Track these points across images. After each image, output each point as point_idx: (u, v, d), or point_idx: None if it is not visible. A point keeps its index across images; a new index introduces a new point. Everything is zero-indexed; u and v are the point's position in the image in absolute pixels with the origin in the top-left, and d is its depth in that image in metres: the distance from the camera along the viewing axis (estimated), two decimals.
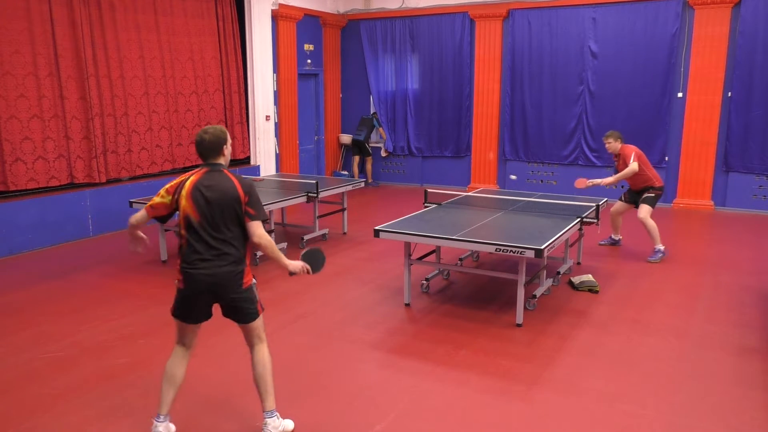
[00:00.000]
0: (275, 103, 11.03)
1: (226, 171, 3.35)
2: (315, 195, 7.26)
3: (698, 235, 8.60)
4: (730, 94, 9.54)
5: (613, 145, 7.04)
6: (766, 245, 7.65)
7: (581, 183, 7.02)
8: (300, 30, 11.39)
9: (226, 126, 10.27)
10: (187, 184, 3.30)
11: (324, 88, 12.38)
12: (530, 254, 4.69)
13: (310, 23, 11.73)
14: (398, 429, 3.57)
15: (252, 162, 10.76)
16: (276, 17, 10.75)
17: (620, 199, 7.38)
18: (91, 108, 8.08)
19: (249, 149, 10.74)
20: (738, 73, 9.39)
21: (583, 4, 10.28)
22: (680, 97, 9.90)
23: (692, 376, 4.22)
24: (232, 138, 10.35)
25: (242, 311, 3.36)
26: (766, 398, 3.90)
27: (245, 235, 3.33)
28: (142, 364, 4.39)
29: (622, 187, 7.74)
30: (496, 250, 4.84)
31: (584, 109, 10.53)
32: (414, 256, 5.60)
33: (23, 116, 7.40)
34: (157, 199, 3.40)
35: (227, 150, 3.38)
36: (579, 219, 5.78)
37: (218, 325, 5.15)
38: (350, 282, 6.26)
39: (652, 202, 6.97)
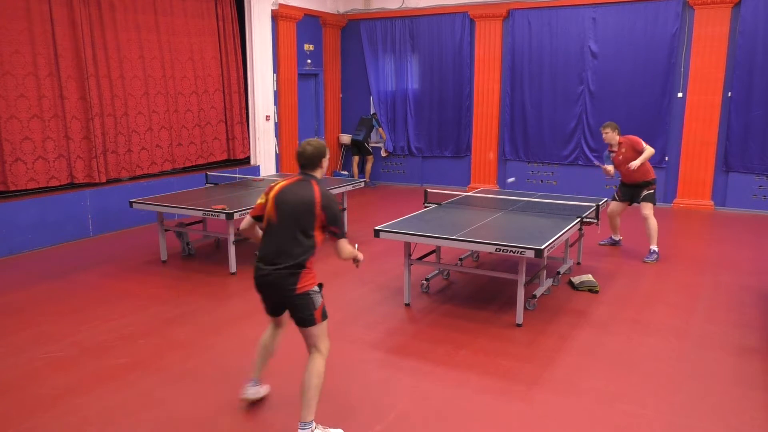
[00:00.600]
0: (275, 103, 11.03)
1: (315, 183, 3.48)
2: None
3: (698, 235, 8.60)
4: (730, 94, 9.54)
5: (610, 135, 7.01)
6: (766, 245, 7.65)
7: (607, 171, 7.04)
8: (300, 30, 11.39)
9: (226, 126, 10.28)
10: (277, 187, 3.52)
11: (324, 88, 12.38)
12: (530, 254, 4.69)
13: (310, 23, 11.73)
14: (398, 429, 3.57)
15: (252, 162, 10.76)
16: (276, 17, 10.75)
17: (614, 198, 7.31)
18: (91, 108, 8.08)
19: (249, 149, 10.73)
20: (738, 73, 9.39)
21: (583, 4, 10.27)
22: (680, 97, 9.90)
23: (692, 376, 4.22)
24: (232, 138, 10.35)
25: (297, 315, 3.44)
26: (766, 398, 3.90)
27: (313, 244, 3.43)
28: (142, 364, 4.39)
29: (614, 187, 7.66)
30: (496, 250, 4.84)
31: (584, 109, 10.53)
32: (414, 256, 5.60)
33: (23, 116, 7.40)
34: (259, 201, 3.59)
35: (325, 163, 3.56)
36: (579, 219, 5.77)
37: (218, 324, 5.15)
38: (350, 282, 6.26)
39: (654, 199, 7.02)
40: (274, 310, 3.62)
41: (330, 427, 3.50)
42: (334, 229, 3.45)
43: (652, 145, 9.84)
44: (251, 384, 3.78)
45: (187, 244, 7.20)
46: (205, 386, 4.07)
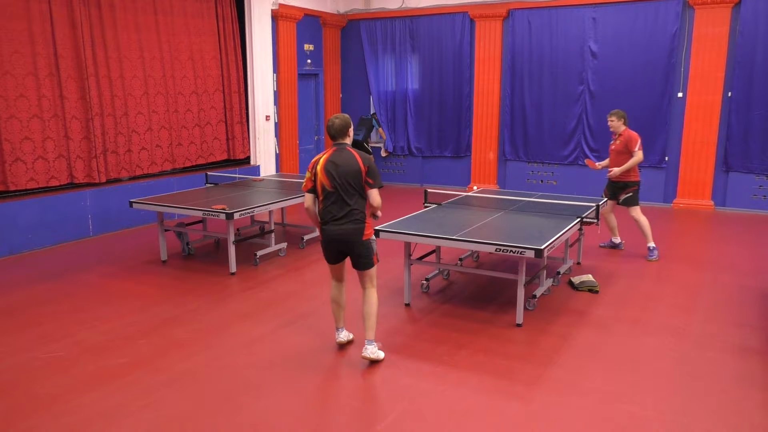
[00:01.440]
0: (275, 103, 11.03)
1: (349, 148, 4.29)
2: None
3: (698, 235, 8.60)
4: (730, 94, 9.54)
5: (616, 123, 7.02)
6: (766, 245, 7.65)
7: (591, 164, 7.16)
8: (300, 30, 11.39)
9: (226, 126, 10.28)
10: (321, 160, 4.29)
11: (324, 88, 12.38)
12: (530, 254, 4.69)
13: (310, 23, 11.73)
14: (398, 429, 3.57)
15: (252, 162, 10.76)
16: (276, 17, 10.75)
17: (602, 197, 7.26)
18: (91, 108, 8.08)
19: (249, 149, 10.73)
20: (738, 73, 9.39)
21: (583, 4, 10.27)
22: (680, 97, 9.90)
23: (692, 376, 4.21)
24: (232, 138, 10.36)
25: (360, 260, 4.33)
26: (766, 398, 3.90)
27: (365, 198, 4.29)
28: (142, 364, 4.39)
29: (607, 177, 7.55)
30: (496, 250, 4.84)
31: (584, 109, 10.53)
32: (414, 256, 5.60)
33: (23, 116, 7.40)
34: (306, 176, 4.37)
35: (351, 131, 4.36)
36: (579, 219, 5.77)
37: (218, 324, 5.15)
38: (350, 282, 6.23)
39: (634, 201, 6.99)
40: (337, 258, 4.42)
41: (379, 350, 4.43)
42: (371, 180, 4.24)
43: (652, 145, 10.01)
44: (339, 331, 4.65)
45: (187, 244, 7.20)
46: (205, 386, 4.07)
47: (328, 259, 4.47)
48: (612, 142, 7.17)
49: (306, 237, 7.58)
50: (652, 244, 6.97)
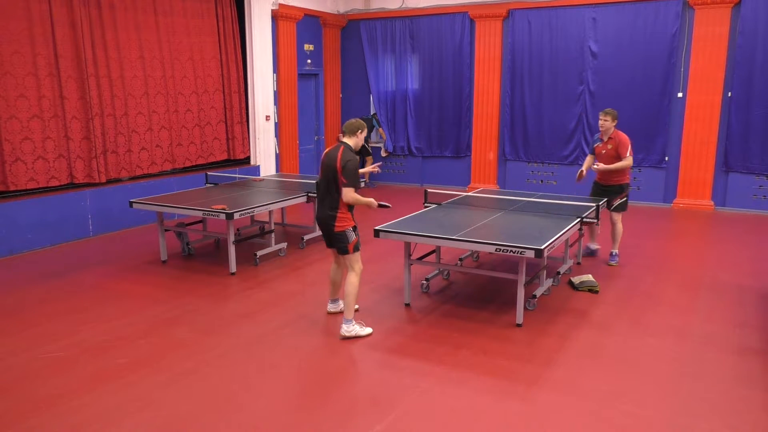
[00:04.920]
0: (275, 103, 11.03)
1: (343, 147, 4.70)
2: (315, 195, 7.24)
3: (698, 235, 8.60)
4: (730, 94, 9.54)
5: (608, 123, 6.72)
6: (766, 245, 7.65)
7: (580, 175, 6.89)
8: (300, 30, 11.39)
9: (226, 126, 10.27)
10: (324, 152, 4.87)
11: (324, 88, 12.38)
12: (530, 254, 4.68)
13: (310, 23, 11.73)
14: (398, 429, 3.57)
15: (252, 162, 10.76)
16: (276, 17, 10.75)
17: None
18: (91, 108, 8.08)
19: (249, 149, 10.73)
20: (738, 73, 9.39)
21: (583, 4, 10.27)
22: (680, 97, 9.90)
23: (692, 376, 4.22)
24: (232, 138, 10.35)
25: (338, 246, 4.82)
26: (766, 398, 3.90)
27: (339, 193, 4.66)
28: (142, 364, 4.39)
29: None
30: (496, 250, 4.84)
31: (584, 109, 10.53)
32: (414, 256, 5.60)
33: (23, 116, 7.40)
34: None
35: (361, 135, 4.82)
36: (579, 219, 5.77)
37: (218, 324, 5.16)
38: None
39: (624, 208, 6.83)
40: (328, 241, 4.93)
41: (365, 326, 4.89)
42: (344, 179, 4.60)
43: (652, 145, 10.02)
44: (331, 302, 5.28)
45: (187, 244, 7.19)
46: (205, 386, 4.07)
47: (325, 241, 5.01)
48: (600, 144, 6.86)
49: (306, 237, 7.58)
50: (616, 251, 6.87)
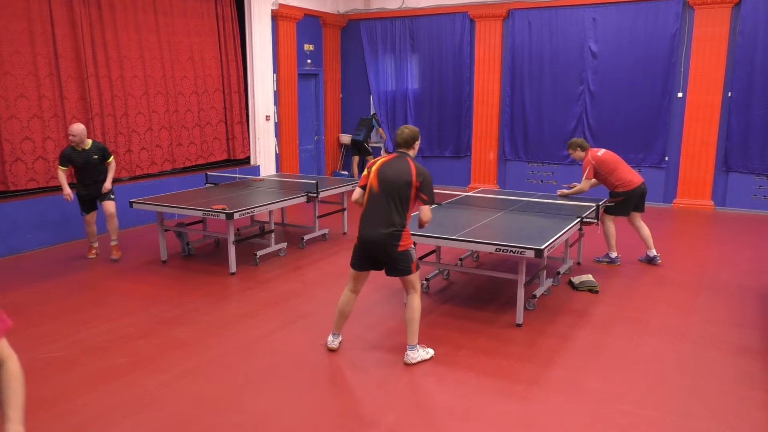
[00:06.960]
0: (275, 103, 11.03)
1: (409, 159, 4.30)
2: (315, 195, 7.25)
3: (698, 235, 8.60)
4: (730, 94, 9.54)
5: (576, 155, 6.74)
6: (766, 245, 7.65)
7: (562, 192, 6.99)
8: (300, 30, 11.39)
9: (226, 126, 10.28)
10: (379, 162, 4.34)
11: (324, 88, 12.38)
12: (530, 254, 4.69)
13: (310, 23, 11.73)
14: (398, 429, 3.57)
15: (252, 162, 10.76)
16: (276, 17, 10.75)
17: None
18: (91, 108, 8.08)
19: (249, 149, 10.73)
20: (738, 73, 9.39)
21: (583, 4, 10.27)
22: (680, 97, 9.90)
23: (692, 376, 4.21)
24: (232, 138, 10.35)
25: (398, 266, 4.27)
26: (766, 398, 3.90)
27: (407, 209, 4.25)
28: (142, 364, 4.39)
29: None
30: (496, 250, 4.84)
31: (584, 109, 10.53)
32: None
33: (23, 116, 7.40)
34: (363, 173, 4.41)
35: (417, 144, 4.39)
36: (579, 219, 5.77)
37: (218, 324, 5.16)
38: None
39: (614, 211, 6.77)
40: (365, 264, 4.37)
41: (427, 347, 4.51)
42: (424, 196, 4.22)
43: (652, 145, 10.03)
44: (334, 336, 4.60)
45: (187, 244, 7.19)
46: (205, 386, 4.07)
47: (355, 264, 4.39)
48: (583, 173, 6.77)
49: (306, 237, 7.58)
50: (612, 254, 6.86)
